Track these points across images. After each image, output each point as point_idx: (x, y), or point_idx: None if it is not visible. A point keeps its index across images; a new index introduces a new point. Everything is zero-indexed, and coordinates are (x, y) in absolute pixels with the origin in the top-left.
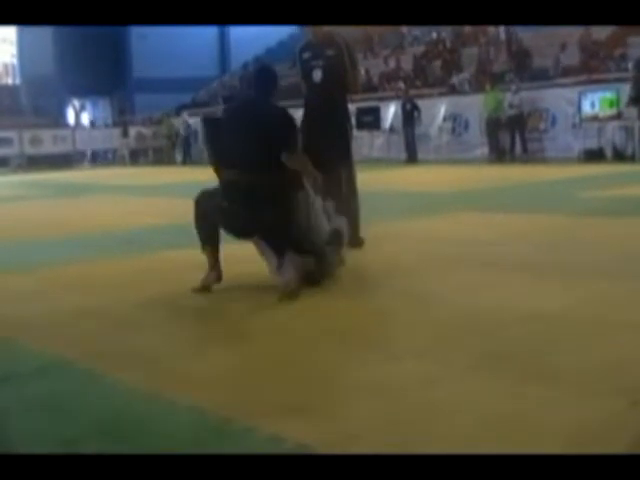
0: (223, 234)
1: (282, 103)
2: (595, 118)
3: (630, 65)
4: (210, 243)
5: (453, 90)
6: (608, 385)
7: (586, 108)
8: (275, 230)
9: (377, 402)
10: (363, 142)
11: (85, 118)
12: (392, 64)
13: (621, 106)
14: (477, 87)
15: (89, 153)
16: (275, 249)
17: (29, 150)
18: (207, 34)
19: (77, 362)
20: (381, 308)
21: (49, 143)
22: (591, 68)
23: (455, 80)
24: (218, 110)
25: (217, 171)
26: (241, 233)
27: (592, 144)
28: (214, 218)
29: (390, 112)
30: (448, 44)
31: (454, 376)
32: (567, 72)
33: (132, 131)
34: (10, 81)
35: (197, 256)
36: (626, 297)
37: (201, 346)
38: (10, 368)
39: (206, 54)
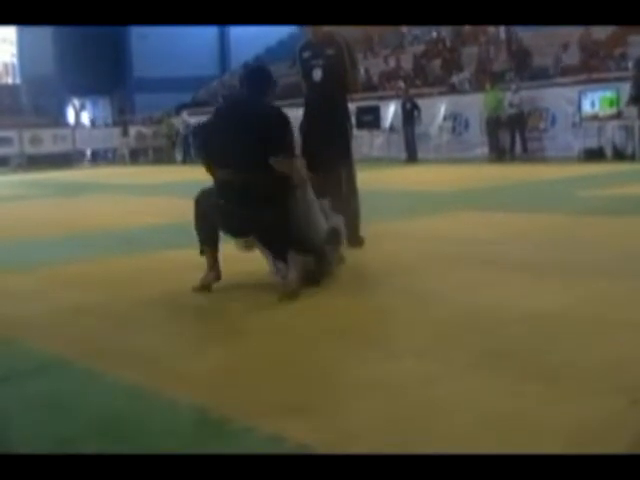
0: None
1: (282, 102)
2: (595, 117)
3: (630, 64)
4: (209, 243)
5: (453, 89)
6: (608, 384)
7: (586, 107)
8: (271, 230)
9: (377, 401)
10: (363, 141)
11: (85, 117)
12: (392, 63)
13: (621, 105)
14: (477, 86)
15: (89, 152)
16: (272, 250)
17: (29, 149)
18: (207, 33)
19: (77, 361)
20: (381, 307)
21: (49, 142)
22: (591, 67)
23: (455, 79)
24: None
25: (210, 170)
26: (238, 233)
27: (592, 143)
28: (213, 218)
29: (390, 111)
30: (448, 43)
31: (454, 375)
32: (567, 71)
33: (132, 130)
34: (10, 80)
35: (197, 256)
36: (626, 296)
37: (201, 345)
38: (10, 367)
39: (206, 53)
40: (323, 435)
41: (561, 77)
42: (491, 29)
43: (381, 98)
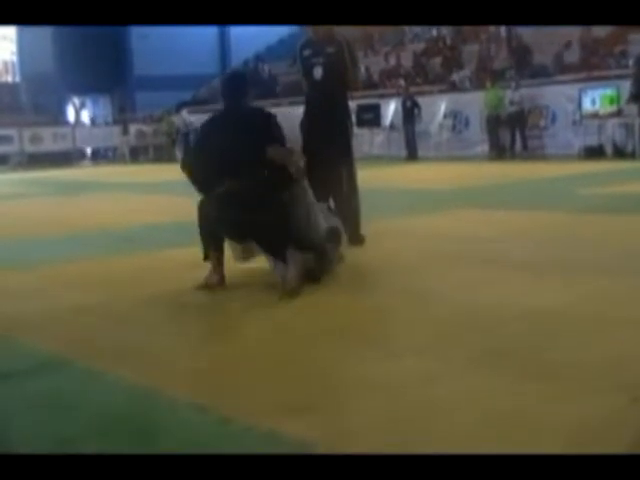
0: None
1: (283, 100)
2: (595, 115)
3: (630, 62)
4: (214, 247)
5: (453, 87)
6: (608, 382)
7: (586, 105)
8: (269, 232)
9: (377, 399)
10: (363, 139)
11: (85, 116)
12: (392, 61)
13: (621, 103)
14: (477, 84)
15: (89, 151)
16: (271, 251)
17: (29, 148)
18: (207, 32)
19: (77, 360)
20: (381, 305)
21: (49, 141)
22: (591, 65)
23: (455, 77)
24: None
25: (206, 185)
26: (236, 236)
27: (592, 141)
28: (214, 222)
29: (390, 109)
30: (448, 41)
31: (454, 373)
32: (567, 69)
33: (132, 129)
34: (10, 79)
35: (198, 254)
36: (626, 294)
37: (201, 344)
38: (10, 365)
39: (206, 52)
40: (323, 434)
41: (561, 75)
42: (491, 27)
43: (381, 96)
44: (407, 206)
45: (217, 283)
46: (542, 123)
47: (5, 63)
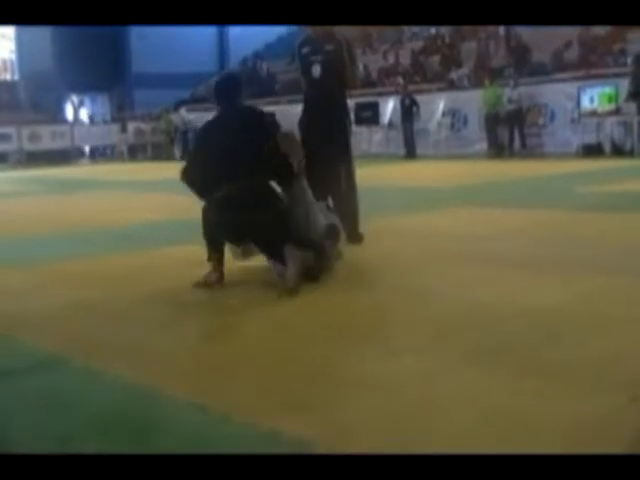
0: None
1: (281, 99)
2: (594, 113)
3: (629, 60)
4: (215, 251)
5: (452, 85)
6: (607, 380)
7: (585, 103)
8: (266, 233)
9: (376, 397)
10: (362, 137)
11: (84, 114)
12: (391, 59)
13: (620, 101)
14: (476, 82)
15: (88, 149)
16: (269, 252)
17: (28, 146)
18: (206, 30)
19: (76, 358)
20: (380, 303)
21: (48, 139)
22: (590, 63)
23: (454, 75)
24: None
25: (206, 191)
26: (235, 239)
27: (591, 139)
28: (214, 225)
29: (389, 107)
30: (447, 39)
31: (453, 371)
32: (566, 67)
33: (131, 127)
34: (9, 77)
35: (196, 252)
36: (624, 292)
37: (201, 342)
38: (9, 364)
39: (205, 50)
40: (322, 431)
41: (560, 73)
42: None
43: (380, 94)
44: (405, 204)
45: (216, 281)
46: (541, 121)
47: (4, 61)
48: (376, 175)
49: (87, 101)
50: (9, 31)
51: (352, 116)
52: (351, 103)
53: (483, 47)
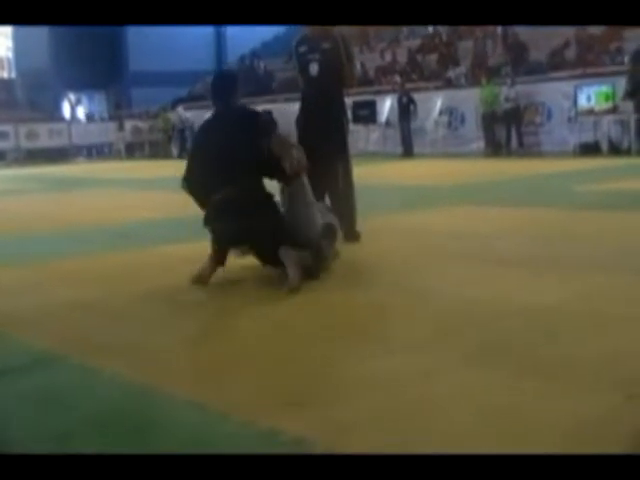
0: None
1: (278, 97)
2: (591, 112)
3: (626, 59)
4: (218, 260)
5: (449, 84)
6: (604, 378)
7: (582, 102)
8: (261, 239)
9: (375, 396)
10: (359, 136)
11: (81, 112)
12: (388, 58)
13: (617, 100)
14: (473, 81)
15: (85, 147)
16: (262, 259)
17: (25, 144)
18: (203, 28)
19: (72, 356)
20: (378, 302)
21: (45, 137)
22: (587, 62)
23: (451, 74)
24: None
25: (205, 196)
26: (231, 243)
27: (588, 138)
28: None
29: (386, 106)
30: (444, 37)
31: (451, 370)
32: (563, 66)
33: (128, 125)
34: (5, 74)
35: (193, 250)
36: (622, 290)
37: (199, 340)
38: (4, 362)
39: (202, 48)
40: (321, 429)
41: (557, 71)
42: None
43: (377, 92)
44: (403, 203)
45: (209, 274)
46: (538, 120)
47: (0, 59)
48: (373, 173)
49: (84, 99)
50: (6, 29)
51: (349, 114)
52: (348, 101)
53: (480, 45)
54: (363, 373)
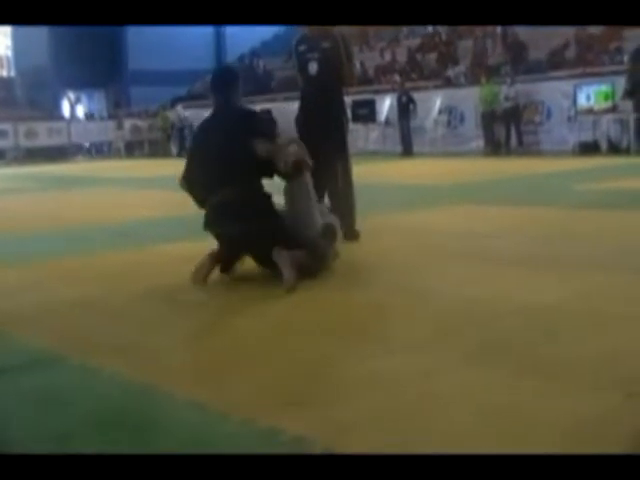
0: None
1: (278, 96)
2: (590, 111)
3: (625, 58)
4: (222, 266)
5: (449, 83)
6: (604, 377)
7: (581, 101)
8: (257, 243)
9: (374, 395)
10: (359, 135)
11: (80, 110)
12: (388, 57)
13: (616, 99)
14: (473, 80)
15: (84, 146)
16: (259, 261)
17: (24, 143)
18: (203, 27)
19: (72, 355)
20: (377, 301)
21: (44, 136)
22: (586, 61)
23: (451, 73)
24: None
25: (205, 197)
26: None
27: (587, 137)
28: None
29: (386, 105)
30: (444, 37)
31: (450, 369)
32: (563, 65)
33: (127, 124)
34: (5, 73)
35: (193, 249)
36: (622, 289)
37: (198, 339)
38: (4, 361)
39: (202, 47)
40: (321, 429)
41: (557, 70)
42: None
43: (377, 92)
44: (402, 202)
45: (207, 272)
46: (537, 119)
47: (0, 57)
48: (373, 172)
49: (84, 98)
50: (5, 27)
51: (349, 113)
52: (348, 100)
53: (480, 45)
54: (363, 373)
